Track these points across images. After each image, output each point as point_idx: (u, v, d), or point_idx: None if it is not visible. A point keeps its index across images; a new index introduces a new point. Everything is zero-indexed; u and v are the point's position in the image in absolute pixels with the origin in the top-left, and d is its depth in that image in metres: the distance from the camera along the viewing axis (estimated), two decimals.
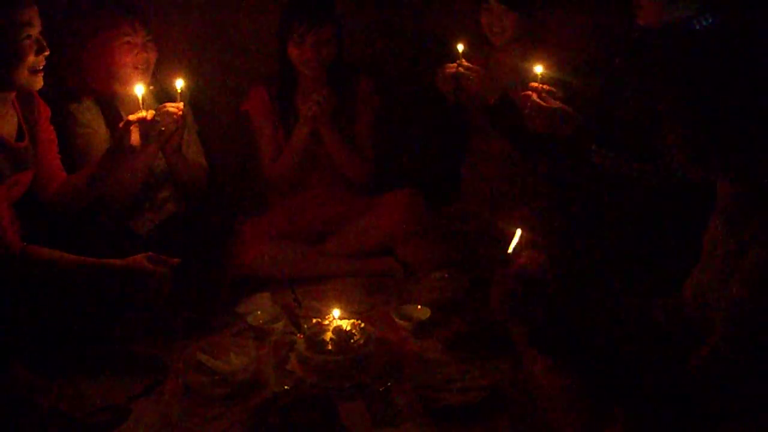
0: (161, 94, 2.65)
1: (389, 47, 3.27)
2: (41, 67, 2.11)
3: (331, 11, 2.76)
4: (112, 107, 2.59)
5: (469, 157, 3.07)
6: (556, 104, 2.30)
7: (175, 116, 2.33)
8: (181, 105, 2.35)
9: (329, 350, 2.08)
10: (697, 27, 2.17)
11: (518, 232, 1.82)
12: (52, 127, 2.32)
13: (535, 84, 2.34)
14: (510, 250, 1.79)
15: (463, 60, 2.59)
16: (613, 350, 1.77)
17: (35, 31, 2.06)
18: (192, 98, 2.68)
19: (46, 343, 2.09)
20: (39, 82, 2.12)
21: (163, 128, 2.30)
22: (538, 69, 2.35)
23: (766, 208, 1.48)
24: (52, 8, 2.30)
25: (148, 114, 2.22)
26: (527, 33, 2.79)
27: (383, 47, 3.27)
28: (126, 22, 2.50)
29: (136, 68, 2.52)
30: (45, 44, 2.08)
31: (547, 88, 2.35)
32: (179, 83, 2.37)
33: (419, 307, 2.40)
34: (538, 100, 2.29)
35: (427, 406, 1.95)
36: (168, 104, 2.33)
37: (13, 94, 2.16)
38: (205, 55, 3.12)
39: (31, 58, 2.07)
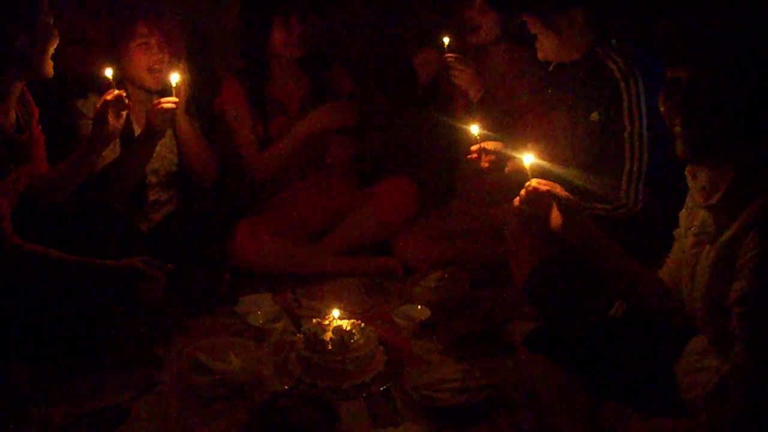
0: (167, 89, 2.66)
1: (375, 45, 3.30)
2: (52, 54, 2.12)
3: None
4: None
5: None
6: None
7: (170, 112, 2.35)
8: (176, 100, 2.37)
9: (329, 350, 2.08)
10: (602, 51, 2.20)
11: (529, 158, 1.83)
12: (40, 127, 2.33)
13: (475, 147, 2.18)
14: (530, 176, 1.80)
15: (448, 54, 2.61)
16: (604, 348, 1.79)
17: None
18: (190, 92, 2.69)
19: (42, 342, 2.09)
20: (52, 70, 2.12)
21: (159, 123, 2.34)
22: (474, 129, 2.16)
23: (762, 194, 1.47)
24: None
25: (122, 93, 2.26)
26: (509, 35, 2.76)
27: (366, 44, 3.31)
28: (143, 23, 2.50)
29: (152, 70, 2.52)
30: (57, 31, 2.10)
31: (491, 146, 2.17)
32: (174, 78, 2.40)
33: (419, 307, 2.40)
34: (487, 159, 2.16)
35: (427, 406, 1.95)
36: (162, 100, 2.36)
37: (19, 88, 2.16)
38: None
39: (55, 45, 2.08)
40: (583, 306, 2.08)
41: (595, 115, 2.21)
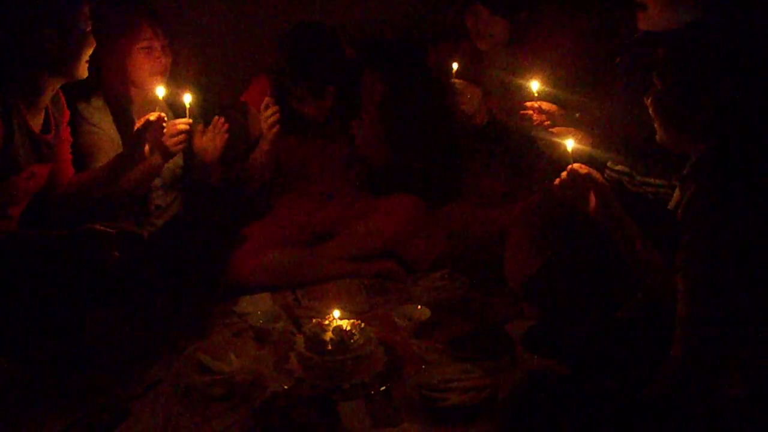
0: (170, 98, 2.66)
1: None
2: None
3: (334, 72, 2.64)
4: (124, 109, 2.58)
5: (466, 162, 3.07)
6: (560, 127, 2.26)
7: (184, 133, 2.35)
8: (190, 121, 2.36)
9: (329, 350, 2.08)
10: (703, 29, 2.17)
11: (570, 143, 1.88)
12: (69, 129, 2.33)
13: (531, 103, 2.29)
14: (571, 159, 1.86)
15: (456, 80, 2.61)
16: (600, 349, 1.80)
17: None
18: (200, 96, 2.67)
19: (32, 340, 2.09)
20: (86, 72, 2.16)
21: (173, 145, 2.34)
22: (535, 86, 2.30)
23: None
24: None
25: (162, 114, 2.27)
26: (512, 38, 2.74)
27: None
28: (147, 26, 2.49)
29: (154, 74, 2.50)
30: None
31: (546, 106, 2.29)
32: (187, 98, 2.37)
33: (419, 307, 2.40)
34: (539, 118, 2.25)
35: (427, 406, 1.95)
36: (177, 121, 2.35)
37: (56, 89, 2.17)
38: (214, 49, 3.12)
39: (91, 49, 2.12)
40: (583, 306, 2.08)
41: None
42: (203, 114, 2.66)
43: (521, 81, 2.45)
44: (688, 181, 1.58)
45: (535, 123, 2.27)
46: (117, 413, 1.95)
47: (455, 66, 2.63)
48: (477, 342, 2.26)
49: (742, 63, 1.55)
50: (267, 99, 2.64)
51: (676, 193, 1.70)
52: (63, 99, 2.26)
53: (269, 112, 2.63)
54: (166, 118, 2.28)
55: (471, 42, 2.77)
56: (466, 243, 2.83)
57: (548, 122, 2.28)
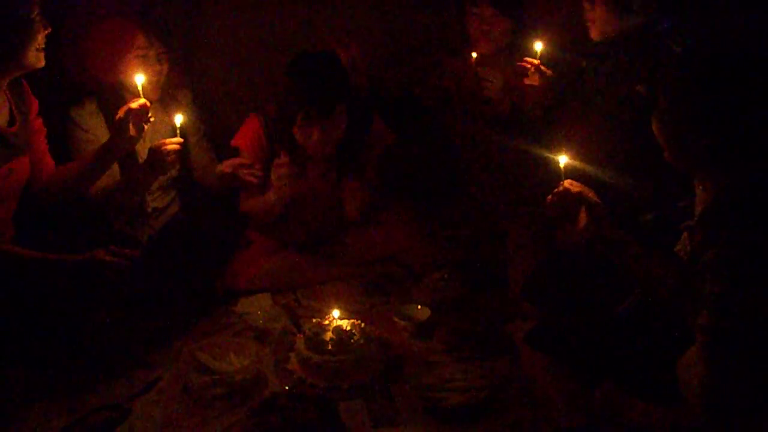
0: (168, 99, 2.66)
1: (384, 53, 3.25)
2: (44, 46, 2.10)
3: (341, 99, 2.51)
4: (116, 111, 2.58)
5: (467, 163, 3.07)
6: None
7: (174, 152, 2.33)
8: (180, 140, 2.35)
9: (329, 350, 2.08)
10: (658, 30, 2.19)
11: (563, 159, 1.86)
12: (40, 119, 2.31)
13: (530, 59, 2.43)
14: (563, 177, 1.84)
15: (479, 67, 2.64)
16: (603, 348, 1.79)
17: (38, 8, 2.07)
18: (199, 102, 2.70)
19: (34, 343, 2.10)
20: (43, 60, 2.11)
21: (164, 162, 2.33)
22: (538, 46, 2.43)
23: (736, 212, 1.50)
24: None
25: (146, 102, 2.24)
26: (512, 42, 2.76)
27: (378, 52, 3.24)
28: (141, 34, 2.48)
29: (149, 81, 2.48)
30: (47, 21, 2.08)
31: (543, 69, 2.43)
32: (178, 119, 2.38)
33: (419, 307, 2.40)
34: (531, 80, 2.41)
35: (427, 406, 1.95)
36: (167, 141, 2.34)
37: (6, 82, 2.15)
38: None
39: (40, 36, 2.07)
40: (583, 306, 2.08)
41: (641, 88, 2.18)
42: (195, 133, 2.70)
43: (526, 44, 2.56)
44: (696, 230, 1.56)
45: (530, 81, 2.43)
46: (117, 413, 1.95)
47: (474, 55, 2.66)
48: (477, 342, 2.26)
49: (752, 89, 1.49)
50: (283, 157, 2.47)
51: (684, 237, 1.70)
52: (27, 89, 2.23)
53: (283, 170, 2.47)
54: (148, 104, 2.25)
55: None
56: (466, 243, 2.84)
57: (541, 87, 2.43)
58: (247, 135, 2.67)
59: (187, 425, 1.92)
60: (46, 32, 2.08)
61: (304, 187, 2.63)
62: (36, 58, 2.08)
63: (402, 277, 2.75)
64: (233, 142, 2.69)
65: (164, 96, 2.64)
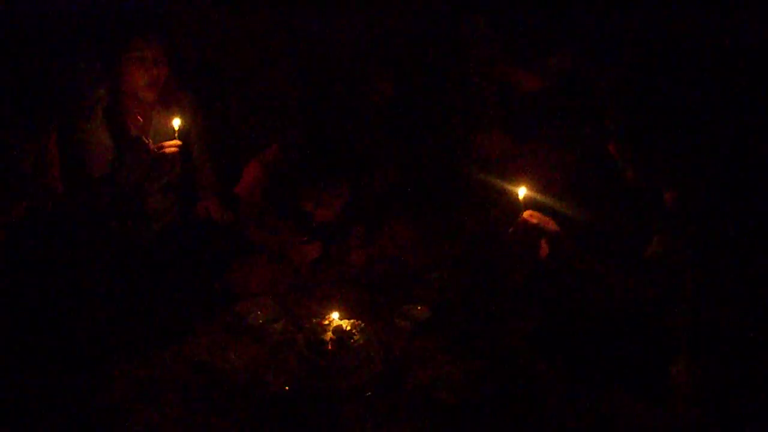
0: (170, 99, 2.67)
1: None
2: None
3: (345, 177, 2.63)
4: (117, 114, 2.57)
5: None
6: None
7: (172, 155, 2.37)
8: (179, 143, 2.39)
9: (329, 350, 2.08)
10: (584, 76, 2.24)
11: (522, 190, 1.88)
12: None
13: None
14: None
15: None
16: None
17: None
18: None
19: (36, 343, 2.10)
20: None
21: (163, 167, 2.40)
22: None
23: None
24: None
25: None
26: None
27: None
28: (139, 36, 2.48)
29: (147, 84, 2.50)
30: None
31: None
32: (176, 122, 2.42)
33: (419, 307, 2.40)
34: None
35: (427, 406, 1.95)
36: (165, 144, 2.37)
37: None
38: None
39: None
40: (583, 305, 2.08)
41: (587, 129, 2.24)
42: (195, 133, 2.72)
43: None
44: (667, 232, 1.60)
45: None
46: (117, 413, 1.94)
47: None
48: (477, 342, 2.26)
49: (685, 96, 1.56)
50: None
51: (655, 241, 1.72)
52: None
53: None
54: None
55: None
56: (467, 243, 2.84)
57: None
58: (247, 183, 2.74)
59: (187, 425, 1.92)
60: None
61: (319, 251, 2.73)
62: None
63: (403, 278, 2.76)
64: (235, 189, 2.79)
65: (165, 96, 2.64)
